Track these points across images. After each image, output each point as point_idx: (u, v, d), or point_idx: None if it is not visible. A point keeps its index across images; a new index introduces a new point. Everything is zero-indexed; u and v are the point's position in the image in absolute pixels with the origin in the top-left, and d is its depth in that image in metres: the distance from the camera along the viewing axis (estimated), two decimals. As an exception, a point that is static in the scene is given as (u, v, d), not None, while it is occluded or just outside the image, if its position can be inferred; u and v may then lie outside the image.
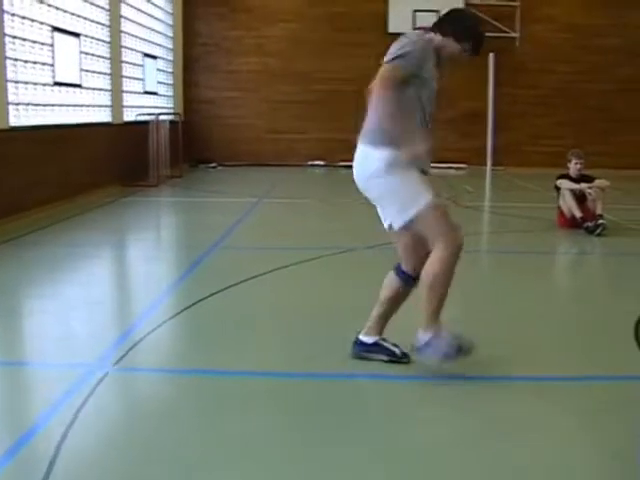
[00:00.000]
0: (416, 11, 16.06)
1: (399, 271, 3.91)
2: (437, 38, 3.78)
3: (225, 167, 16.47)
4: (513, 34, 16.67)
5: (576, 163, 9.02)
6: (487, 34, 14.90)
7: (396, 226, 3.73)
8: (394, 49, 3.66)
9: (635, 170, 15.97)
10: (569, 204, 8.83)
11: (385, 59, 3.65)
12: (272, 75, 16.95)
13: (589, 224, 8.54)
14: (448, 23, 3.82)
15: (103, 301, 5.53)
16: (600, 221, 8.48)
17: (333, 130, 16.78)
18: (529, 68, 16.75)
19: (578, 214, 8.72)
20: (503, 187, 14.35)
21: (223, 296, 5.36)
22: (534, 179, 14.43)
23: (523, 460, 2.93)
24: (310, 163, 16.95)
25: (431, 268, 3.64)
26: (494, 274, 6.84)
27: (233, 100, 17.05)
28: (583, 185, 8.88)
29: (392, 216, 3.74)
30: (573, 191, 8.86)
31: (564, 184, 8.93)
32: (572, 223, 8.80)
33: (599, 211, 8.67)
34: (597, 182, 8.96)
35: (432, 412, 3.43)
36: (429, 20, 15.88)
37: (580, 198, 8.87)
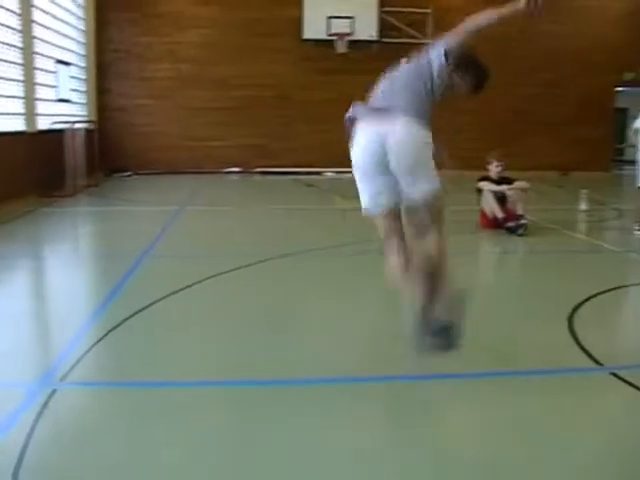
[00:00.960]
0: (330, 17, 16.20)
1: None
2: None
3: (140, 175, 16.16)
4: (425, 40, 16.98)
5: (497, 165, 9.30)
6: (400, 41, 15.25)
7: (424, 194, 3.74)
8: None
9: (543, 171, 16.54)
10: (491, 205, 9.08)
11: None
12: (186, 82, 16.74)
13: (511, 224, 8.80)
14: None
15: (35, 315, 5.35)
16: (522, 221, 8.76)
17: (249, 136, 16.76)
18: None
19: (500, 215, 8.98)
20: None
21: (162, 305, 5.28)
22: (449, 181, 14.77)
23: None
24: (226, 170, 16.82)
25: (438, 248, 3.82)
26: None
27: (147, 107, 16.76)
28: (504, 187, 9.15)
29: (422, 185, 3.73)
30: (494, 193, 9.12)
31: (486, 186, 9.19)
32: (494, 224, 9.04)
33: (520, 211, 8.94)
34: (517, 184, 9.25)
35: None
36: (343, 26, 16.27)
37: (501, 199, 9.13)
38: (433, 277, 3.87)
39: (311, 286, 6.17)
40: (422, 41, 16.77)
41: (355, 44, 16.40)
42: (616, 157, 19.74)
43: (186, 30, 16.65)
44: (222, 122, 16.79)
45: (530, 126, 17.57)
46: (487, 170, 9.39)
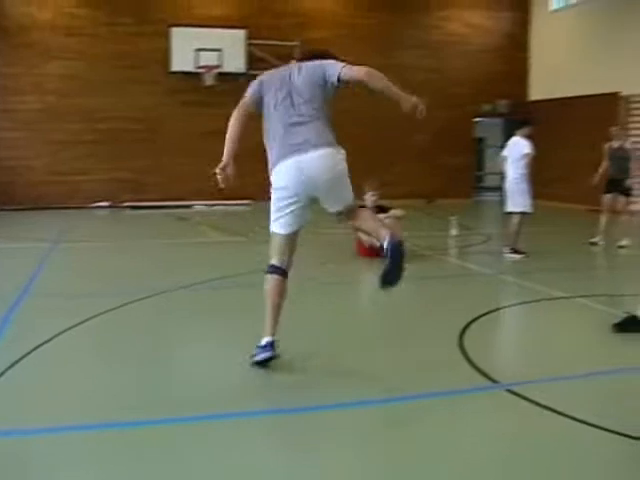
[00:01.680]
0: (198, 50, 16.13)
1: (282, 271, 4.66)
2: None
3: (5, 212, 15.36)
4: (293, 73, 17.17)
5: (372, 194, 9.47)
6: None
7: (345, 206, 4.53)
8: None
9: (410, 199, 17.00)
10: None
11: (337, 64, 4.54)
12: (52, 114, 16.15)
13: (388, 252, 8.97)
14: None
15: None
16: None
17: (118, 170, 16.35)
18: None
19: (377, 243, 9.12)
20: None
21: (46, 349, 5.01)
22: (313, 212, 15.02)
23: None
24: (95, 205, 16.28)
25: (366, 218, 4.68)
26: (320, 302, 6.91)
27: (10, 141, 16.02)
28: (381, 215, 9.31)
29: (346, 198, 4.55)
30: (371, 222, 9.27)
31: (362, 215, 9.33)
32: (372, 252, 9.18)
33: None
34: (392, 212, 9.47)
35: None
36: (211, 59, 16.23)
37: (377, 228, 9.30)
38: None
39: (190, 322, 6.03)
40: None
41: (223, 76, 16.40)
42: (476, 184, 20.63)
43: (52, 61, 16.09)
44: (89, 155, 16.28)
45: (396, 155, 18.05)
46: (362, 200, 9.54)
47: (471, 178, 19.67)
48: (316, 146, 4.37)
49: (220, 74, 16.34)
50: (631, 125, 15.91)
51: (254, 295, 5.70)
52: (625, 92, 16.17)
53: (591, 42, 17.25)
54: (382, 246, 4.37)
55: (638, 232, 11.22)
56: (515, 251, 9.41)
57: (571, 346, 5.53)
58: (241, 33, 16.49)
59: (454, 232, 11.22)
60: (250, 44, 16.59)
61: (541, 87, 18.80)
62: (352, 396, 4.13)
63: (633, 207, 11.24)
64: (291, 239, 4.67)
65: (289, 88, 4.50)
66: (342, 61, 4.51)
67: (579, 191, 17.05)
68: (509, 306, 6.72)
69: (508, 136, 16.25)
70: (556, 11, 18.60)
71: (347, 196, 4.52)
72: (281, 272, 4.60)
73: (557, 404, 3.99)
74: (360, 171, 17.18)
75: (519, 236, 9.47)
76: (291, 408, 4.00)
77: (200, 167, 16.95)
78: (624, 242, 10.52)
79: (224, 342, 5.39)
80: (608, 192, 10.83)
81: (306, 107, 4.46)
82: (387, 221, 9.21)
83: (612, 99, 16.33)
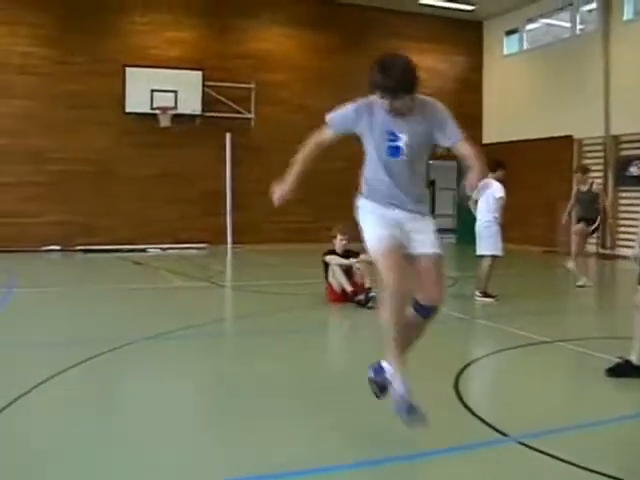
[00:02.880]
0: (153, 91, 15.90)
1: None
2: None
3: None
4: (249, 115, 17.10)
5: (341, 239, 9.31)
6: (224, 115, 15.19)
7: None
8: None
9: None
10: (339, 279, 9.05)
11: None
12: (2, 155, 15.61)
13: (360, 297, 8.78)
14: None
15: None
16: (370, 294, 8.75)
17: (69, 213, 15.88)
18: (264, 148, 17.18)
19: (349, 288, 8.96)
20: (254, 264, 14.34)
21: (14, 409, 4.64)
22: (275, 255, 14.91)
23: None
24: (45, 248, 15.74)
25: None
26: (297, 351, 6.68)
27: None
28: (352, 260, 9.17)
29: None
30: (342, 266, 9.10)
31: (334, 260, 9.16)
32: (342, 297, 9.00)
33: (367, 284, 8.95)
34: (363, 256, 9.25)
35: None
36: (167, 100, 16.00)
37: (347, 272, 9.13)
38: None
39: (159, 377, 5.72)
40: (246, 116, 16.94)
41: (179, 118, 16.18)
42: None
43: (3, 101, 15.60)
44: (39, 197, 15.75)
45: (349, 200, 17.89)
46: (332, 244, 9.38)
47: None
48: None
49: (176, 116, 16.10)
50: (584, 168, 16.17)
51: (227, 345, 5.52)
52: (577, 135, 16.49)
53: (543, 86, 17.61)
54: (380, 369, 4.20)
55: (595, 272, 11.40)
56: (486, 295, 9.34)
57: (569, 393, 5.39)
58: (197, 74, 16.32)
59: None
60: (206, 85, 16.43)
61: (494, 130, 19.07)
62: (361, 456, 3.88)
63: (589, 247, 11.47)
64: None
65: None
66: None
67: (533, 233, 17.29)
68: (495, 352, 6.56)
69: (460, 179, 16.28)
70: (509, 56, 18.98)
71: None
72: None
73: (572, 455, 3.82)
74: (314, 215, 17.23)
75: (489, 280, 9.41)
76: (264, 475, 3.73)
77: (153, 211, 16.78)
78: (582, 282, 10.65)
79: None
80: (578, 222, 11.18)
81: None
82: (359, 265, 9.13)
83: (565, 142, 16.63)
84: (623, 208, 15.33)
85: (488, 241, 9.44)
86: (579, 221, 11.17)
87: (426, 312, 4.12)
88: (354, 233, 9.38)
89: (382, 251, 3.95)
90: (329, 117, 4.41)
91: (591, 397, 5.26)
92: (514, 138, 17.96)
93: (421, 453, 3.98)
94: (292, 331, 7.49)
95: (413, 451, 4.00)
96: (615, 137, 15.65)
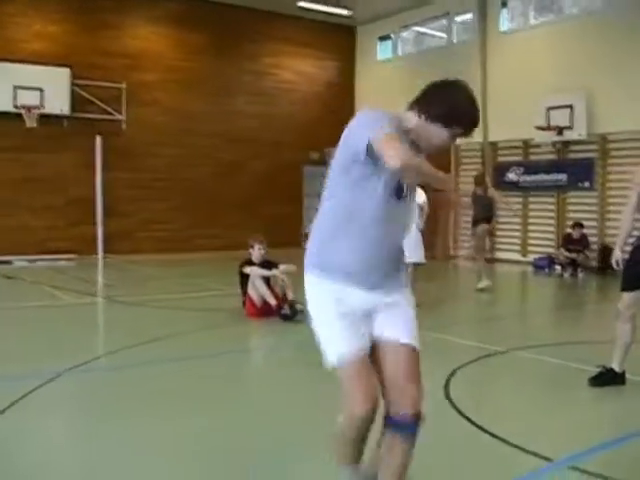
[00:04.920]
0: (17, 87, 14.51)
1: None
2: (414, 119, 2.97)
3: None
4: (119, 116, 16.06)
5: (260, 249, 8.76)
6: (94, 116, 14.26)
7: None
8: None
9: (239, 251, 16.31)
10: (261, 291, 8.51)
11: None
12: None
13: (286, 311, 8.27)
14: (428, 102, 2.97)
15: None
16: (298, 306, 8.26)
17: None
18: (136, 152, 16.24)
19: (273, 301, 8.42)
20: (139, 277, 13.33)
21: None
22: (153, 266, 14.08)
23: None
24: None
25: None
26: (224, 383, 6.10)
27: None
28: (275, 271, 8.63)
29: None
30: (264, 278, 8.56)
31: (255, 271, 8.58)
32: (263, 311, 8.46)
33: (291, 296, 8.46)
34: (283, 267, 8.77)
35: None
36: (32, 98, 14.67)
37: (267, 284, 8.60)
38: None
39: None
40: (117, 117, 15.90)
41: (45, 118, 14.85)
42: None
43: None
44: None
45: (223, 207, 17.32)
46: (249, 254, 8.80)
47: (300, 226, 19.37)
48: None
49: (42, 116, 14.78)
50: (462, 173, 16.46)
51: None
52: (459, 142, 16.72)
53: (415, 92, 17.70)
54: None
55: (493, 273, 11.62)
56: (410, 303, 9.07)
57: (570, 407, 5.12)
58: (64, 72, 15.05)
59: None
60: (74, 84, 15.23)
61: (368, 135, 19.00)
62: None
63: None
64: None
65: None
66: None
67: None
68: (459, 368, 6.23)
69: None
70: (383, 62, 19.03)
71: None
72: None
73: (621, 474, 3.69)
74: (185, 224, 16.57)
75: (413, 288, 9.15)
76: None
77: (19, 218, 15.34)
78: (483, 284, 10.76)
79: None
80: (475, 224, 11.41)
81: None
82: (283, 277, 8.60)
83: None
84: (502, 213, 15.62)
85: (408, 249, 9.18)
86: (476, 222, 11.29)
87: (406, 427, 2.92)
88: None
89: (347, 363, 2.86)
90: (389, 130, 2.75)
91: (595, 410, 5.08)
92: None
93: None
94: (225, 352, 6.87)
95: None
96: (493, 143, 16.00)
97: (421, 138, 2.96)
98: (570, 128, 14.05)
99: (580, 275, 13.32)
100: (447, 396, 5.10)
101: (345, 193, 2.88)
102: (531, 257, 15.20)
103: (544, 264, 14.49)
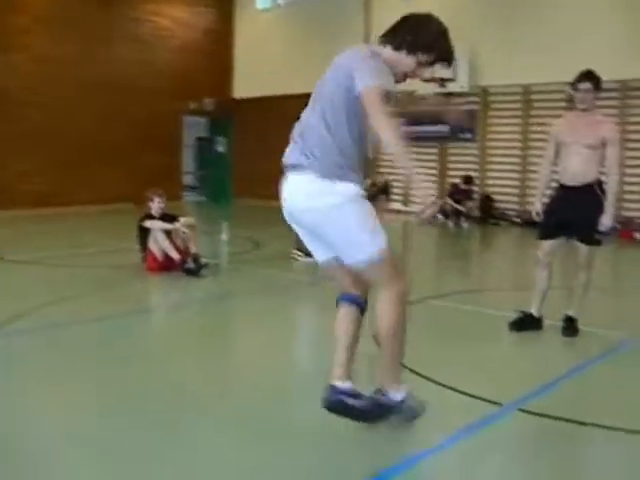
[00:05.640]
0: None
1: (354, 298, 3.49)
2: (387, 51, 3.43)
3: None
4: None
5: (159, 202, 8.46)
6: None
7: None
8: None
9: (117, 203, 15.82)
10: (163, 245, 8.23)
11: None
12: None
13: (190, 266, 8.05)
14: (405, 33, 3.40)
15: None
16: (202, 261, 8.09)
17: None
18: (9, 101, 15.18)
19: (176, 256, 8.17)
20: (27, 233, 12.40)
21: None
22: (38, 222, 13.39)
23: None
24: None
25: (386, 319, 3.33)
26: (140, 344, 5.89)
27: None
28: (177, 224, 8.36)
29: (342, 252, 3.36)
30: (165, 231, 8.28)
31: (156, 224, 8.28)
32: (165, 265, 8.20)
33: (194, 250, 8.24)
34: (184, 220, 8.53)
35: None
36: None
37: (168, 238, 8.33)
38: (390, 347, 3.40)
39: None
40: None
41: None
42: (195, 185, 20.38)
43: None
44: None
45: (102, 158, 16.56)
46: (148, 209, 8.46)
47: (180, 178, 18.91)
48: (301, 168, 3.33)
49: None
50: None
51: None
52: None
53: (301, 43, 17.51)
54: (383, 398, 3.46)
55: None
56: (303, 251, 8.95)
57: (498, 353, 5.29)
58: None
59: (225, 236, 10.47)
60: None
61: (248, 85, 18.64)
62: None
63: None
64: (336, 268, 3.50)
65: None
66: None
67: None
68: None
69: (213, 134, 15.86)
70: (261, 10, 18.63)
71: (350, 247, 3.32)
72: (346, 301, 3.51)
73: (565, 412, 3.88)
74: (57, 180, 15.77)
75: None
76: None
77: None
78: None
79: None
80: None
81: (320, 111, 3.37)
82: (185, 230, 8.34)
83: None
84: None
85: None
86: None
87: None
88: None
89: (388, 251, 3.31)
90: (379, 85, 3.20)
91: (522, 356, 5.27)
92: (270, 93, 17.69)
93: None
94: (139, 312, 6.62)
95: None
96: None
97: (394, 68, 3.37)
98: (453, 80, 14.33)
99: (464, 225, 13.75)
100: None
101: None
102: (414, 207, 15.50)
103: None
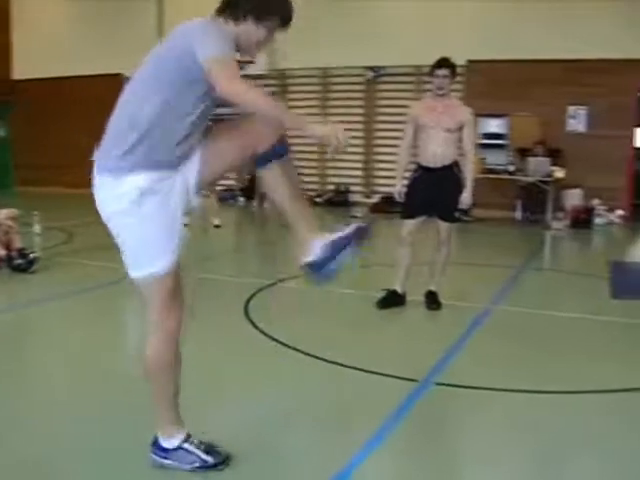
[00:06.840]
0: None
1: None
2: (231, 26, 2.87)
3: None
4: None
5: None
6: None
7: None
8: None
9: None
10: (-17, 241, 7.54)
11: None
12: None
13: (20, 261, 7.46)
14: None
15: None
16: (32, 255, 7.53)
17: None
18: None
19: (2, 252, 7.52)
20: None
21: None
22: None
23: None
24: None
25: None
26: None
27: None
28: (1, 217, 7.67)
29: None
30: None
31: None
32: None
33: (19, 244, 7.63)
34: (5, 211, 7.79)
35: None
36: None
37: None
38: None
39: None
40: None
41: None
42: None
43: None
44: None
45: None
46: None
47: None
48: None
49: None
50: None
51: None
52: (127, 74, 16.12)
53: (88, 21, 16.66)
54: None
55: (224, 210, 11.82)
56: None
57: (377, 330, 5.49)
58: None
59: (38, 229, 9.72)
60: None
61: (30, 65, 17.41)
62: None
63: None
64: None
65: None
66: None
67: (80, 177, 16.56)
68: (250, 300, 6.21)
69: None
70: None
71: None
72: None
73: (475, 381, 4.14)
74: None
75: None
76: None
77: None
78: (217, 221, 10.81)
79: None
80: None
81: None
82: (11, 223, 7.68)
83: (114, 80, 16.12)
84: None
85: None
86: None
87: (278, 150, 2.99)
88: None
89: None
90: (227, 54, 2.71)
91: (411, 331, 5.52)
92: (54, 75, 16.70)
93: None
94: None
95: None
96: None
97: (241, 42, 2.89)
98: (252, 62, 14.35)
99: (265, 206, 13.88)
100: (273, 339, 5.05)
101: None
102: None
103: (228, 196, 14.92)
